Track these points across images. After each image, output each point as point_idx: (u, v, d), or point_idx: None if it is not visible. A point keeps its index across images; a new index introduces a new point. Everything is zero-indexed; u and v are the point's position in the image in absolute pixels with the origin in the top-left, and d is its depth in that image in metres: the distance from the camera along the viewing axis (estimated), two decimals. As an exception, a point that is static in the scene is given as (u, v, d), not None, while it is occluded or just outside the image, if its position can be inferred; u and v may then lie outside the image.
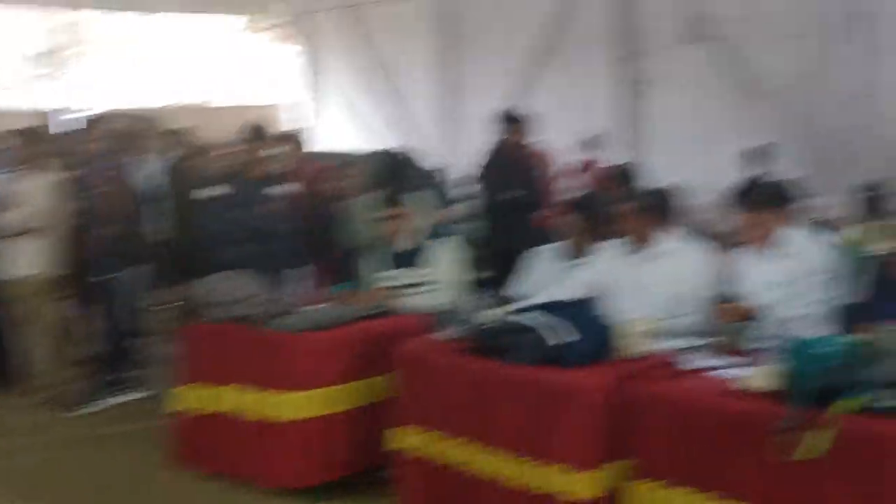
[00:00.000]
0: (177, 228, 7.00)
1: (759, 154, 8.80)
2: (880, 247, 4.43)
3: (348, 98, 18.92)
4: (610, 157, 10.43)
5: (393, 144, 7.56)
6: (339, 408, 5.07)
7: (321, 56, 19.31)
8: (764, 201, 4.65)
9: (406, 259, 5.70)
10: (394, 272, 5.71)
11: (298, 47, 18.79)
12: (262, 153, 6.41)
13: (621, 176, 7.30)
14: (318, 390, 5.02)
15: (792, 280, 4.52)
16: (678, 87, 13.87)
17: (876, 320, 3.62)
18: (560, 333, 4.20)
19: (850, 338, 3.47)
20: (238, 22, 17.98)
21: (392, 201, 5.77)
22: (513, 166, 7.62)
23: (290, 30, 18.44)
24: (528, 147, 7.88)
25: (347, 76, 19.06)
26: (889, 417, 3.20)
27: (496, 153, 7.73)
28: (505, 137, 7.69)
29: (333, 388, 5.05)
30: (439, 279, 5.60)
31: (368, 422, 5.11)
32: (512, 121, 7.70)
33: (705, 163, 13.54)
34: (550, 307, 4.42)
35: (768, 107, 12.87)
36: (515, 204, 7.44)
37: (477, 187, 8.18)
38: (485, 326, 4.46)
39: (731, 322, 4.52)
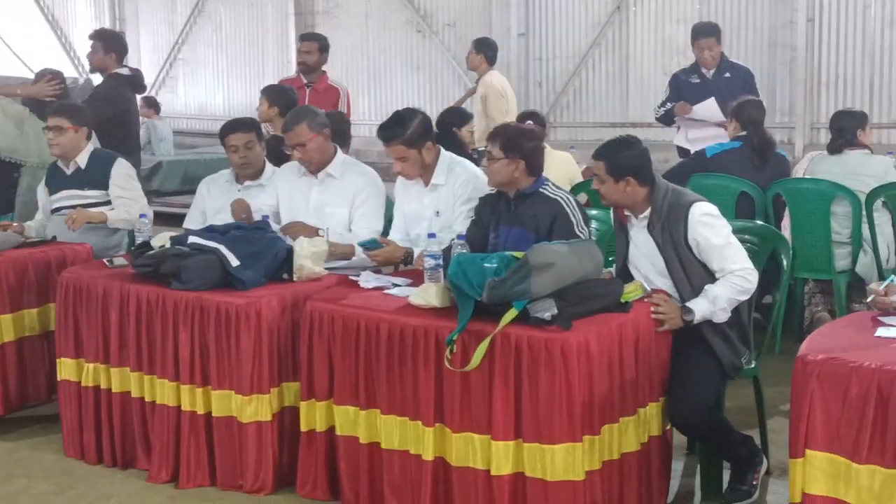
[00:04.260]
0: None
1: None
2: None
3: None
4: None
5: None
6: (-1, 341, 4.81)
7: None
8: (406, 137, 4.53)
9: (77, 179, 5.42)
10: (64, 193, 5.43)
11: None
12: None
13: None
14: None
15: (440, 211, 4.64)
16: (348, 20, 14.03)
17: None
18: (233, 255, 4.17)
19: (504, 255, 3.68)
20: None
21: (62, 117, 5.40)
22: None
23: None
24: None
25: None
26: (541, 326, 3.45)
27: None
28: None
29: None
30: (134, 205, 5.37)
31: (33, 355, 4.96)
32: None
33: (378, 94, 13.85)
34: (222, 230, 4.39)
35: (436, 42, 13.30)
36: None
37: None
38: (153, 251, 4.35)
39: (384, 263, 4.64)
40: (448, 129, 6.36)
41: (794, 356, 3.12)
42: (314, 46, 7.49)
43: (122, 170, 5.47)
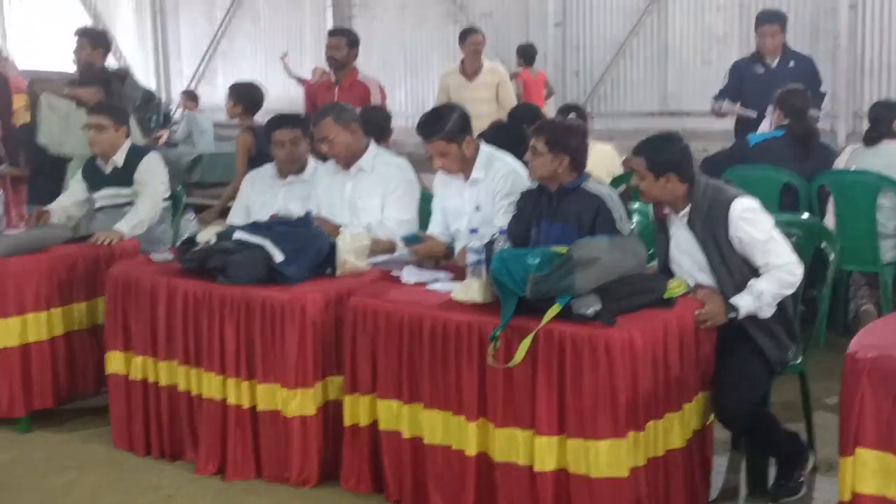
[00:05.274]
0: None
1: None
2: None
3: (40, 17, 17.77)
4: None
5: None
6: (48, 334, 4.88)
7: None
8: (446, 132, 4.53)
9: (116, 178, 5.47)
10: (104, 192, 5.50)
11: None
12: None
13: None
14: (24, 317, 4.80)
15: (480, 205, 4.62)
16: (385, 12, 14.03)
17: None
18: (278, 251, 4.21)
19: (547, 251, 3.67)
20: None
21: (104, 116, 5.47)
22: None
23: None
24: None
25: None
26: (585, 322, 3.45)
27: None
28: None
29: (41, 314, 4.85)
30: (146, 198, 5.41)
31: (82, 348, 5.02)
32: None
33: (415, 86, 13.85)
34: (267, 226, 4.43)
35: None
36: None
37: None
38: (198, 247, 4.39)
39: (425, 258, 4.61)
40: (518, 125, 6.26)
41: (839, 350, 3.10)
42: (342, 41, 7.26)
43: (145, 164, 5.49)
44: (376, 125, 5.89)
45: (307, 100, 7.56)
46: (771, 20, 7.10)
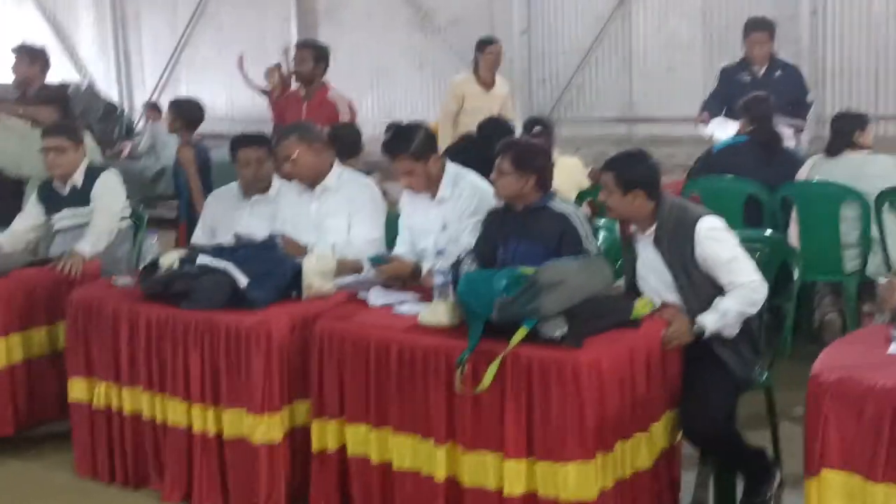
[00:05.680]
0: None
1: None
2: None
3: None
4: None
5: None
6: (7, 360, 4.80)
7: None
8: (413, 150, 4.52)
9: (75, 198, 5.40)
10: (64, 213, 5.41)
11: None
12: None
13: None
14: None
15: (447, 224, 4.60)
16: (350, 19, 13.99)
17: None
18: (242, 275, 4.17)
19: (514, 272, 3.66)
20: None
21: (62, 137, 5.39)
22: None
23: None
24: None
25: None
26: (552, 345, 3.44)
27: None
28: None
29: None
30: (101, 213, 5.34)
31: (43, 373, 4.93)
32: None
33: (382, 93, 13.81)
34: (231, 249, 4.38)
35: (439, 40, 13.27)
36: None
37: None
38: (162, 271, 4.34)
39: (392, 279, 4.55)
40: (487, 140, 6.15)
41: (804, 358, 3.12)
42: (308, 55, 7.11)
43: (100, 182, 5.42)
44: (347, 142, 5.84)
45: (275, 115, 7.49)
46: (759, 28, 7.07)
